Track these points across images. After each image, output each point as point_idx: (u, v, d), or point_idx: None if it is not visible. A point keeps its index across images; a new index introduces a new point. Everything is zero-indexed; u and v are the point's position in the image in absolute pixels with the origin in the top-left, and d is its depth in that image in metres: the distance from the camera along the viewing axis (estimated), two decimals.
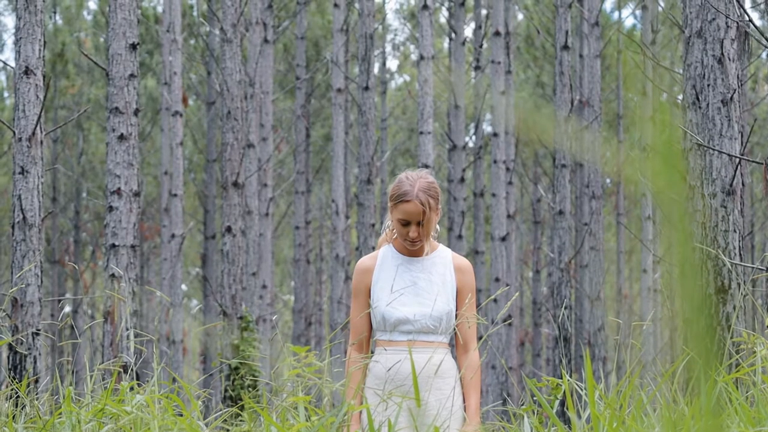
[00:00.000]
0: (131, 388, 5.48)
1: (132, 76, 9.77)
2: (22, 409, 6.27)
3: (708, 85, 7.60)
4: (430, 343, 5.00)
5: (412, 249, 5.09)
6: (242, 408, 11.83)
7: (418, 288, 5.05)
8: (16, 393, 7.26)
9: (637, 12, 28.31)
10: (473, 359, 5.03)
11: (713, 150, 7.46)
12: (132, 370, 6.90)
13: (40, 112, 8.57)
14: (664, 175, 1.58)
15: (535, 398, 6.05)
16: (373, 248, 4.38)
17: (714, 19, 7.60)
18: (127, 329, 9.02)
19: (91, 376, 5.48)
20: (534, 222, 31.28)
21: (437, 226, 5.15)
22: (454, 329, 5.07)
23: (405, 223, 5.03)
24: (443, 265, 5.10)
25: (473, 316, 5.09)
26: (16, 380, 8.02)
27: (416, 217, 5.01)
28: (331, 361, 5.18)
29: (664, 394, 4.64)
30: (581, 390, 4.75)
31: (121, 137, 9.66)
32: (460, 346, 5.06)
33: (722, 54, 7.56)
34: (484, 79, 25.26)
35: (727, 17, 7.55)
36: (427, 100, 17.71)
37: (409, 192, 4.99)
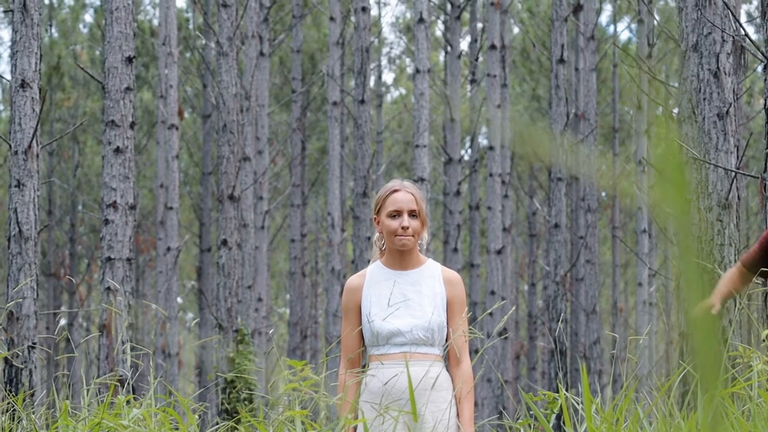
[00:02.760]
0: (128, 402, 5.48)
1: (128, 89, 9.78)
2: (18, 422, 6.25)
3: (704, 99, 7.61)
4: (426, 356, 4.99)
5: (403, 243, 5.01)
6: (238, 421, 11.80)
7: (409, 300, 5.03)
8: (13, 406, 7.25)
9: (633, 26, 28.35)
10: (466, 370, 5.01)
11: (709, 164, 7.48)
12: (128, 383, 6.90)
13: (36, 125, 8.57)
14: (663, 189, 1.59)
15: (531, 412, 6.05)
16: (369, 261, 4.39)
17: (710, 33, 7.62)
18: (123, 342, 9.00)
19: (88, 390, 5.47)
20: (530, 235, 31.28)
21: (426, 235, 5.12)
22: (447, 342, 5.06)
23: (396, 215, 5.01)
24: (432, 278, 5.08)
25: (466, 328, 5.08)
26: (13, 394, 8.01)
27: (407, 204, 5.00)
28: (328, 374, 5.18)
29: (660, 408, 4.64)
30: (578, 404, 4.75)
31: (117, 150, 9.66)
32: (453, 357, 5.05)
33: (718, 68, 7.58)
34: (480, 92, 25.28)
35: (723, 31, 7.57)
36: (423, 113, 17.72)
37: (397, 185, 5.07)
